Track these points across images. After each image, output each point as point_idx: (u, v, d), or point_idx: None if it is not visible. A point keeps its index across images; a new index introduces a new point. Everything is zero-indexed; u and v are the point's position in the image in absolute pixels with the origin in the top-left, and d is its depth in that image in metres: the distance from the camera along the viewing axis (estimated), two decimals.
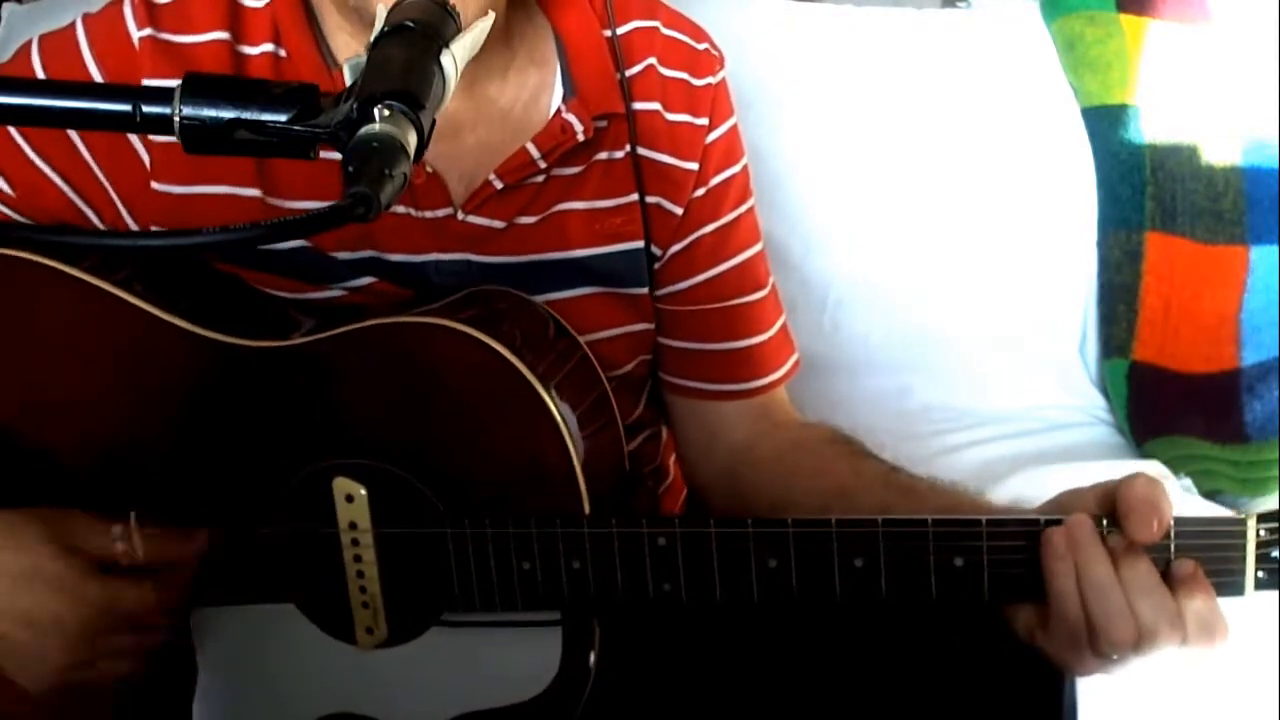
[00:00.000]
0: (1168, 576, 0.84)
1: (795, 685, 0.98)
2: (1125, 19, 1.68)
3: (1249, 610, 1.28)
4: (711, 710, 1.03)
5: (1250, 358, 1.65)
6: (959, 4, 1.85)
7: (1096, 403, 1.69)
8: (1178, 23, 1.68)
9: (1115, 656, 0.83)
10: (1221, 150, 1.65)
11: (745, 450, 1.13)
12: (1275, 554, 0.84)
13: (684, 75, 1.08)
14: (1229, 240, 1.65)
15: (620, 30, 1.06)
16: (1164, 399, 1.64)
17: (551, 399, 0.92)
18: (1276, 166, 1.65)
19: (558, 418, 0.92)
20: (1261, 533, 0.84)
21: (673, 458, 1.22)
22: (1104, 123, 1.66)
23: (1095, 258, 1.66)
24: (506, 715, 0.97)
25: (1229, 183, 1.65)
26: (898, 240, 1.63)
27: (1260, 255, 1.65)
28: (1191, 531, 0.85)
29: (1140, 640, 0.82)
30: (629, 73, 1.05)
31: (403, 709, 0.99)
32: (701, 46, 1.11)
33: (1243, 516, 0.84)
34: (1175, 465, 1.55)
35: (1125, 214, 1.65)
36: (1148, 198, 1.64)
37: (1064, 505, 0.88)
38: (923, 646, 0.93)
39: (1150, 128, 1.65)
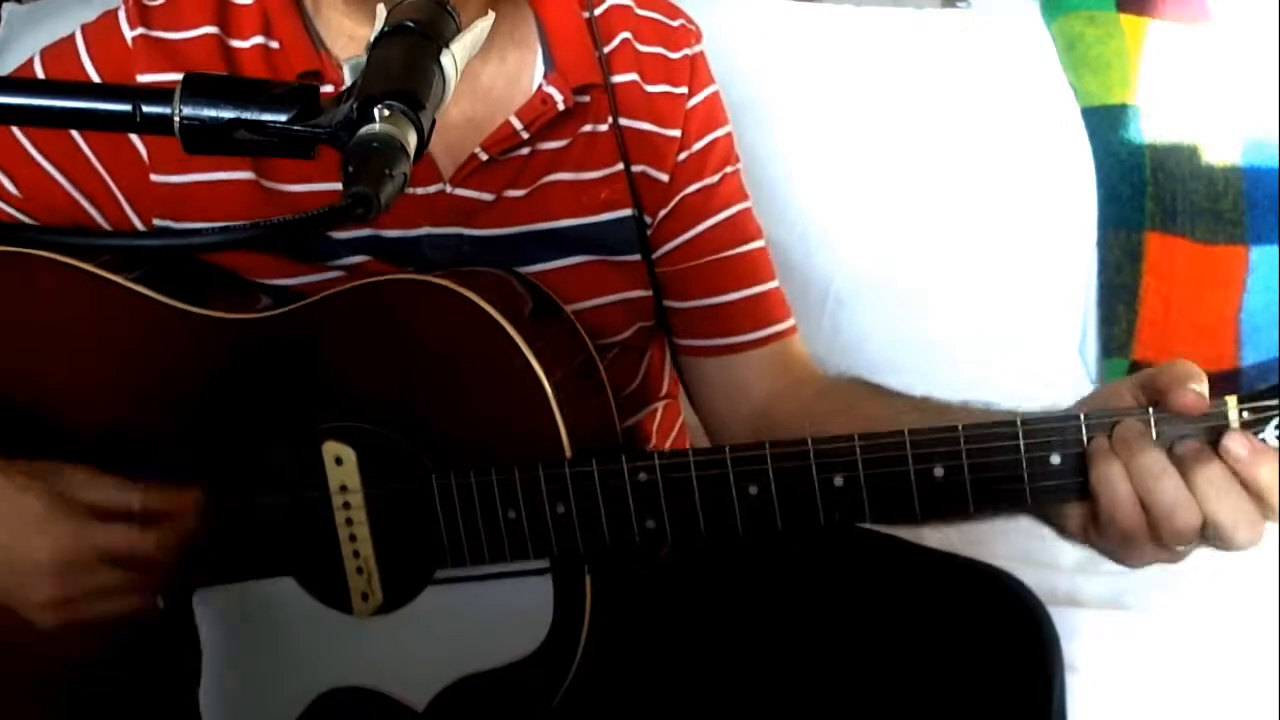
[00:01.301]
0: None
1: (790, 679, 0.97)
2: (1125, 19, 1.68)
3: (1248, 610, 1.29)
4: (705, 666, 1.02)
5: (1250, 358, 1.65)
6: (959, 4, 1.85)
7: None
8: (1178, 23, 1.68)
9: (1179, 547, 0.83)
10: (1221, 150, 1.66)
11: (769, 406, 1.13)
12: (1261, 436, 0.83)
13: (660, 50, 1.11)
14: (1229, 240, 1.65)
15: (597, 11, 1.09)
16: None
17: (530, 350, 0.92)
18: (1276, 166, 1.65)
19: (538, 370, 0.92)
20: (1245, 415, 0.83)
21: (669, 440, 1.21)
22: (1104, 123, 1.66)
23: (1095, 258, 1.66)
24: (504, 676, 0.97)
25: (1229, 183, 1.65)
26: (898, 241, 1.63)
27: (1260, 255, 1.65)
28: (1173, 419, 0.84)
29: (1203, 528, 0.81)
30: (606, 49, 1.08)
31: (402, 677, 0.99)
32: (676, 23, 1.14)
33: (1223, 400, 0.84)
34: None
35: (1125, 214, 1.65)
36: (1148, 198, 1.64)
37: (1100, 397, 0.89)
38: (914, 646, 0.93)
39: (1150, 128, 1.65)
